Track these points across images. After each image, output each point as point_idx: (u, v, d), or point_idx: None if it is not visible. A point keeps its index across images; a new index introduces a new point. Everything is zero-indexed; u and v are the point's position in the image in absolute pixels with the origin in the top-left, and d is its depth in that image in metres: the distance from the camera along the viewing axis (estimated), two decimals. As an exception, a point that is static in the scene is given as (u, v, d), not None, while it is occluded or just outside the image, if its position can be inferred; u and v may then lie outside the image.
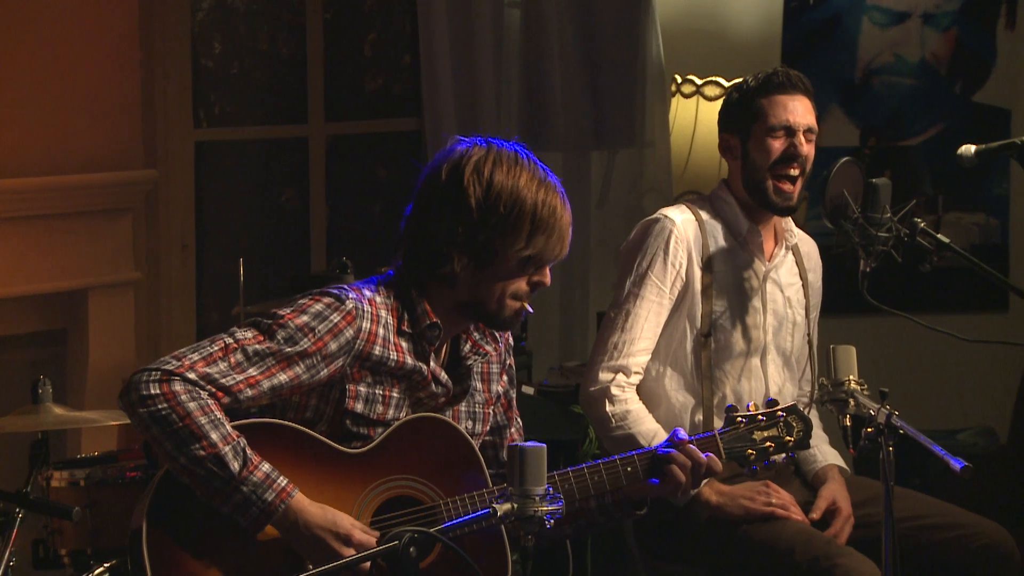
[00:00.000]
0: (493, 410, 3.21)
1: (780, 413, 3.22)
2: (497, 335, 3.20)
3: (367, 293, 3.03)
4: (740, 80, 3.88)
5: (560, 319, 5.73)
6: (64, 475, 4.12)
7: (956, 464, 2.99)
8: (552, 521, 2.65)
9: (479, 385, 3.17)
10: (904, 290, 5.12)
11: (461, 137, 3.07)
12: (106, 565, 3.99)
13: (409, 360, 3.03)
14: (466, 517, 2.75)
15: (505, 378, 3.24)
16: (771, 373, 3.83)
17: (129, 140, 5.71)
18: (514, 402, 3.27)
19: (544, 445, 2.68)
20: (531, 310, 3.10)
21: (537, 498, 2.64)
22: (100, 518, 4.07)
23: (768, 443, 3.19)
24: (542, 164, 3.05)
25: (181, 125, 5.90)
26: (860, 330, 4.89)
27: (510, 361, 3.26)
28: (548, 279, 3.08)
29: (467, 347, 3.14)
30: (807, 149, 3.75)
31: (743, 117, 3.77)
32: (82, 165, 5.51)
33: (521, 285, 3.05)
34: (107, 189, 5.61)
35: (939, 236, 3.52)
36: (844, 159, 3.63)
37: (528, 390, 4.81)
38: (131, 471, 4.13)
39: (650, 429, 3.67)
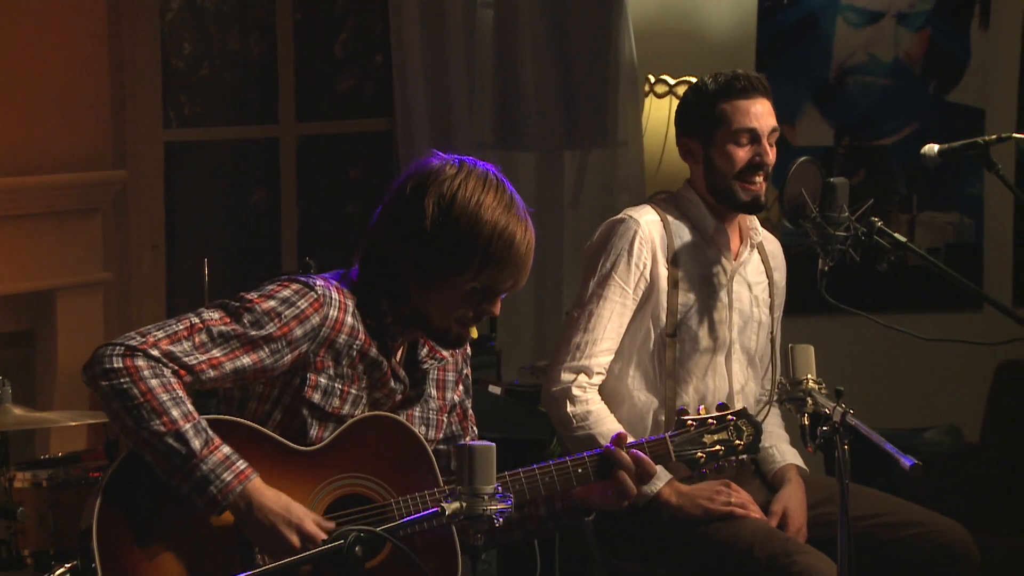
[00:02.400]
0: (448, 418, 3.20)
1: (730, 417, 3.21)
2: None
3: (334, 283, 3.03)
4: (696, 81, 3.85)
5: (533, 319, 5.73)
6: (27, 476, 4.11)
7: (906, 462, 2.98)
8: (501, 520, 2.64)
9: (434, 392, 3.16)
10: (883, 289, 5.15)
11: (439, 152, 3.05)
12: (67, 566, 3.97)
13: (373, 351, 3.02)
14: (414, 516, 2.73)
15: (461, 388, 3.23)
16: (735, 372, 3.82)
17: (98, 140, 5.71)
18: (470, 412, 3.26)
19: (493, 444, 2.67)
20: (474, 336, 3.07)
21: (486, 497, 2.63)
22: (63, 519, 4.06)
23: (718, 446, 3.19)
24: (511, 188, 3.02)
25: (150, 125, 5.89)
26: (829, 330, 4.90)
27: (467, 371, 3.25)
28: (497, 310, 3.05)
29: (424, 351, 3.13)
30: (772, 154, 3.73)
31: (704, 122, 3.74)
32: (51, 165, 5.51)
33: (467, 312, 3.03)
34: (76, 189, 5.60)
35: (896, 235, 3.50)
36: (802, 159, 3.62)
37: (495, 390, 4.81)
38: (93, 472, 4.13)
39: (611, 430, 3.64)
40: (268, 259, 6.05)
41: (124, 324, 5.67)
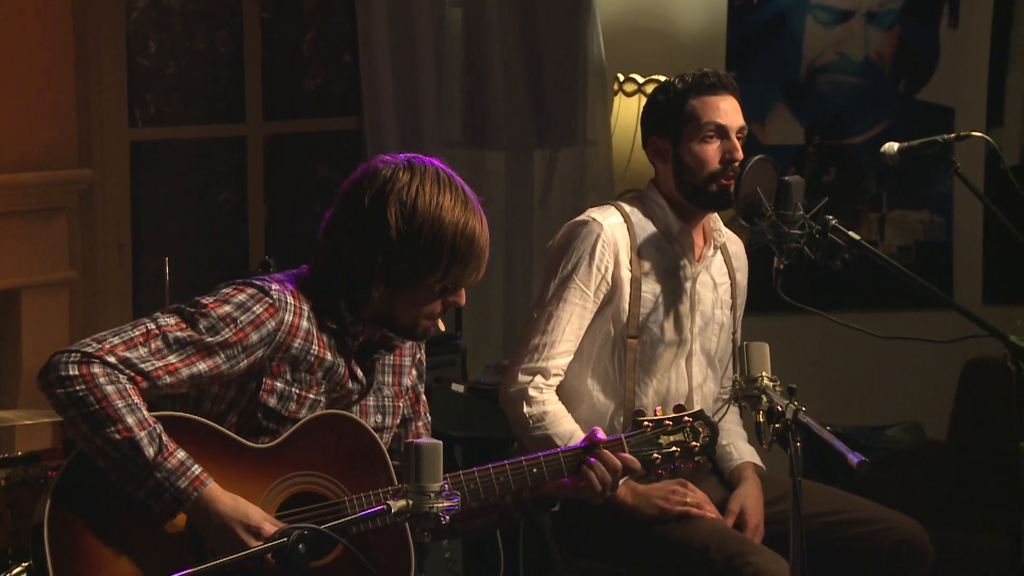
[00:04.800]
0: (402, 403, 3.20)
1: (687, 418, 3.22)
2: None
3: (289, 286, 3.03)
4: (665, 81, 3.85)
5: (502, 317, 5.73)
6: (-15, 474, 4.09)
7: (853, 458, 3.00)
8: (447, 517, 2.64)
9: (389, 379, 3.17)
10: (855, 287, 5.16)
11: (384, 156, 3.05)
12: (24, 564, 3.97)
13: (329, 356, 3.03)
14: (361, 513, 2.74)
15: (415, 372, 3.23)
16: (695, 372, 3.83)
17: (64, 139, 5.69)
18: (422, 396, 3.27)
19: (439, 442, 2.67)
20: (443, 328, 3.09)
21: (432, 495, 2.63)
22: (21, 518, 4.04)
23: (674, 448, 3.20)
24: (460, 181, 3.05)
25: (116, 124, 5.88)
26: (797, 328, 4.90)
27: (420, 355, 3.25)
28: (463, 300, 3.09)
29: (376, 339, 3.13)
30: (740, 152, 3.72)
31: (673, 119, 3.75)
32: (16, 164, 5.49)
33: (436, 307, 3.06)
34: (41, 188, 5.58)
35: (850, 233, 3.52)
36: (757, 157, 3.63)
37: (458, 388, 4.79)
38: (52, 471, 4.10)
39: (567, 430, 3.67)
40: (235, 258, 6.04)
41: (90, 323, 5.65)
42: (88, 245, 5.79)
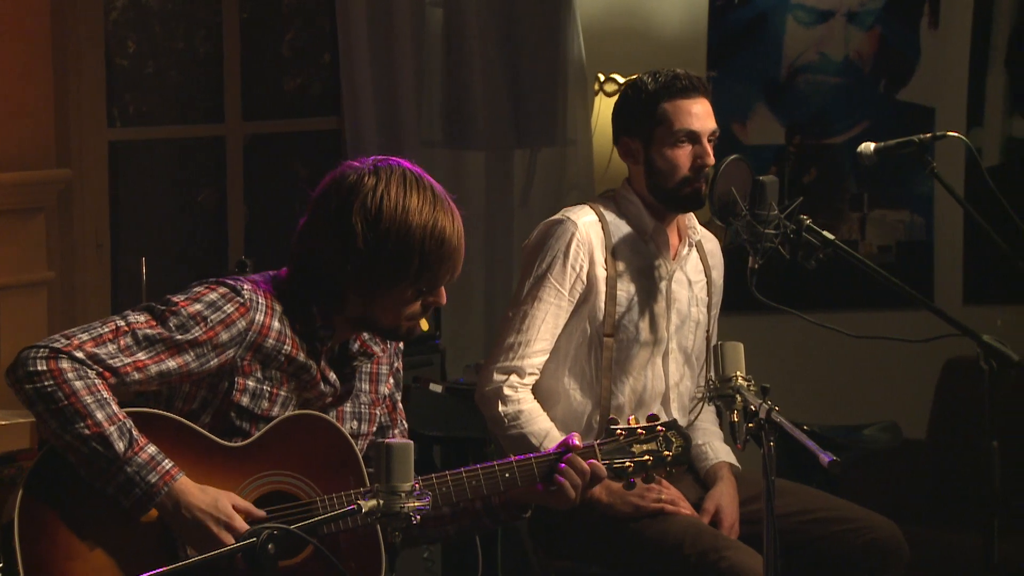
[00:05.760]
0: (379, 411, 3.19)
1: (660, 428, 3.21)
2: None
3: (263, 287, 3.03)
4: (634, 78, 3.84)
5: (483, 317, 5.73)
6: (-40, 475, 4.08)
7: (825, 457, 2.99)
8: (418, 517, 2.64)
9: (366, 386, 3.16)
10: (836, 287, 5.16)
11: (352, 162, 3.03)
12: (-2, 565, 3.93)
13: (301, 356, 3.02)
14: (331, 513, 2.74)
15: (392, 380, 3.23)
16: (671, 371, 3.82)
17: (42, 139, 5.68)
18: (399, 405, 3.26)
19: (411, 442, 2.67)
20: (424, 327, 3.07)
21: (403, 494, 2.63)
22: (-4, 518, 4.01)
23: (647, 456, 3.19)
24: (430, 180, 3.02)
25: (95, 124, 5.87)
26: (774, 327, 4.90)
27: (398, 364, 3.25)
28: (443, 299, 3.07)
29: (355, 347, 3.13)
30: (712, 157, 3.72)
31: (644, 121, 3.74)
32: (-6, 164, 5.48)
33: (415, 308, 3.04)
34: (19, 188, 5.57)
35: (824, 233, 3.51)
36: (732, 157, 3.63)
37: (436, 388, 4.79)
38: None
39: (542, 429, 3.67)
40: (215, 258, 6.03)
41: (68, 323, 5.62)
42: (67, 245, 5.79)
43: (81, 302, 5.78)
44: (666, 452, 3.19)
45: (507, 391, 3.70)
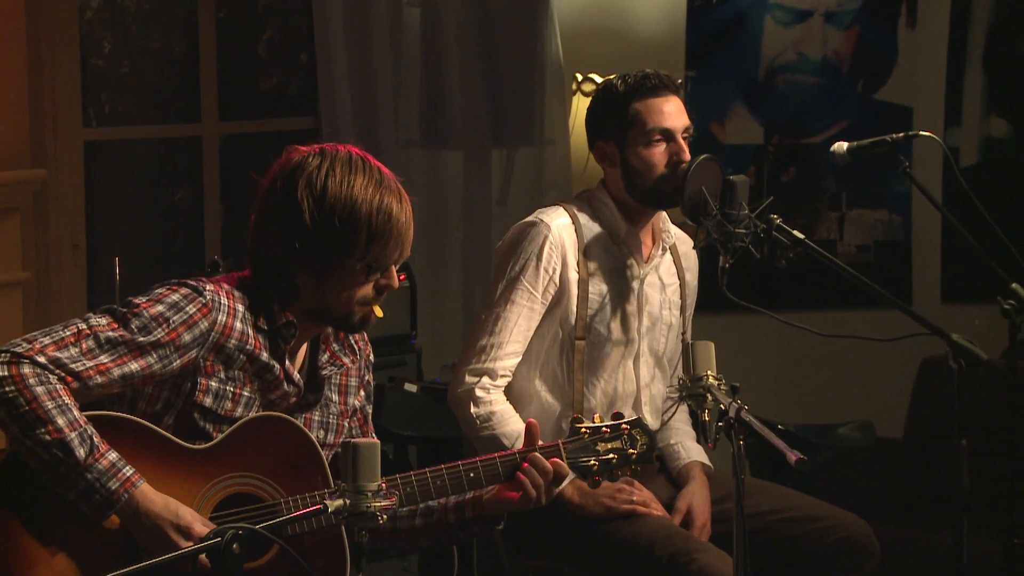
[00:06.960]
0: (348, 423, 3.18)
1: (624, 426, 3.20)
2: (357, 349, 3.18)
3: (225, 287, 3.02)
4: (605, 81, 3.84)
5: (460, 316, 5.73)
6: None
7: (792, 456, 3.00)
8: (385, 517, 2.63)
9: (336, 397, 3.15)
10: (815, 286, 5.16)
11: (298, 146, 3.04)
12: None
13: (264, 355, 3.01)
14: (296, 513, 2.72)
15: (363, 393, 3.22)
16: (642, 373, 3.83)
17: (17, 139, 5.67)
18: (369, 419, 3.25)
19: (377, 441, 2.66)
20: (380, 315, 3.06)
21: (369, 494, 2.62)
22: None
23: (611, 455, 3.17)
24: (378, 164, 3.03)
25: (70, 124, 5.86)
26: (746, 327, 4.89)
27: (368, 377, 3.23)
28: (395, 282, 3.05)
29: (325, 357, 3.12)
30: (687, 152, 3.72)
31: (618, 123, 3.75)
32: (-32, 165, 5.46)
33: (367, 291, 3.03)
34: (-7, 188, 5.55)
35: (794, 232, 3.52)
36: (702, 156, 3.65)
37: (411, 387, 4.78)
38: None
39: (515, 430, 3.68)
40: (191, 259, 6.02)
41: (43, 324, 5.51)
42: (42, 245, 5.77)
43: (56, 303, 5.77)
44: (631, 450, 3.18)
45: (479, 393, 3.71)
